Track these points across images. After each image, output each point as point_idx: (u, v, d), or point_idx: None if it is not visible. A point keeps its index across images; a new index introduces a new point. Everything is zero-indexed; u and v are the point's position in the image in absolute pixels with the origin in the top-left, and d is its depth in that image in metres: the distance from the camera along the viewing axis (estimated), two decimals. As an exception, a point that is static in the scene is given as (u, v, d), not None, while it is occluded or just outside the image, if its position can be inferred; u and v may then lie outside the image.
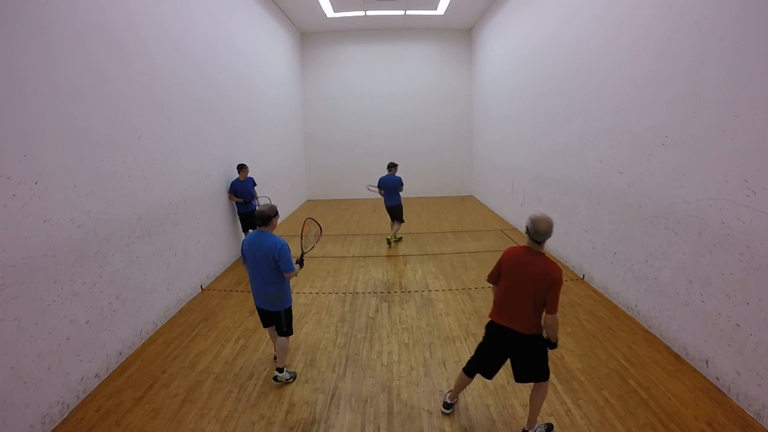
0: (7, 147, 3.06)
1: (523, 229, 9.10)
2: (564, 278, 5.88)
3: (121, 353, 4.29)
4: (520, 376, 3.07)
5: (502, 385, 3.76)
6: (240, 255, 4.04)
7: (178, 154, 5.64)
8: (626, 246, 5.10)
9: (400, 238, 8.90)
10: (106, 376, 4.03)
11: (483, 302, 5.56)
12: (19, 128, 3.17)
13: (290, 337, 4.03)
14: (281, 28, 11.58)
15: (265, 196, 8.18)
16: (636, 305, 4.93)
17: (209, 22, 6.87)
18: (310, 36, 13.93)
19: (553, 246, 7.54)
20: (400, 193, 8.47)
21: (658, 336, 4.51)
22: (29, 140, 3.26)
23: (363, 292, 6.04)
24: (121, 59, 4.45)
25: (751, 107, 3.27)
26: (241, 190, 7.32)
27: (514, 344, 3.01)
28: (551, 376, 3.87)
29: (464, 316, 5.17)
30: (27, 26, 3.26)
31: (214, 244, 6.78)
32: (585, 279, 6.21)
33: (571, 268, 6.74)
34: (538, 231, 2.86)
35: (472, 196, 14.53)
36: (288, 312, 3.85)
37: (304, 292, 6.06)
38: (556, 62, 7.25)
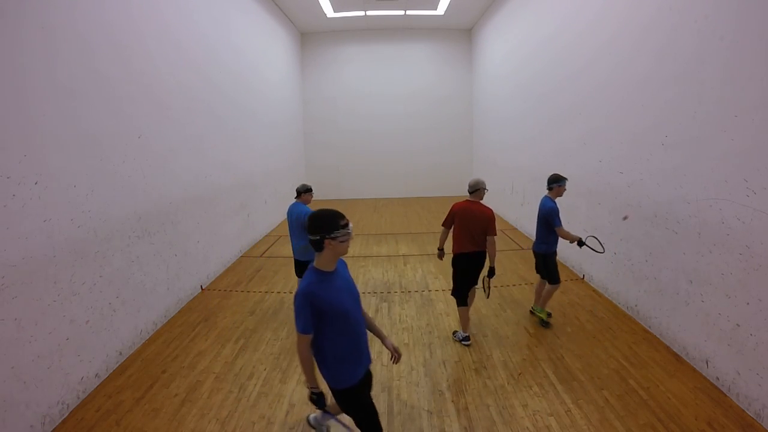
0: (7, 147, 3.06)
1: (523, 229, 9.16)
2: (564, 278, 6.07)
3: (121, 353, 4.28)
4: (474, 282, 4.53)
5: (502, 385, 3.76)
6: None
7: (178, 154, 5.65)
8: (626, 246, 5.10)
9: (549, 315, 4.92)
10: (106, 376, 4.03)
11: (482, 302, 5.56)
12: (20, 128, 3.18)
13: None
14: (281, 28, 11.59)
15: None
16: (636, 305, 4.93)
17: (209, 22, 6.87)
18: (310, 36, 13.94)
19: (553, 246, 7.55)
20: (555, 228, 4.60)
21: (658, 336, 4.51)
22: (29, 140, 3.26)
23: (363, 292, 6.04)
24: (121, 59, 4.45)
25: (750, 107, 3.27)
26: None
27: (475, 262, 4.42)
28: (551, 375, 3.89)
29: (464, 316, 5.17)
30: (28, 26, 3.26)
31: (214, 244, 6.78)
32: (585, 279, 6.21)
33: (570, 268, 6.74)
34: (471, 187, 4.45)
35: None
36: None
37: (304, 292, 6.06)
38: (556, 62, 7.25)
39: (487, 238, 4.28)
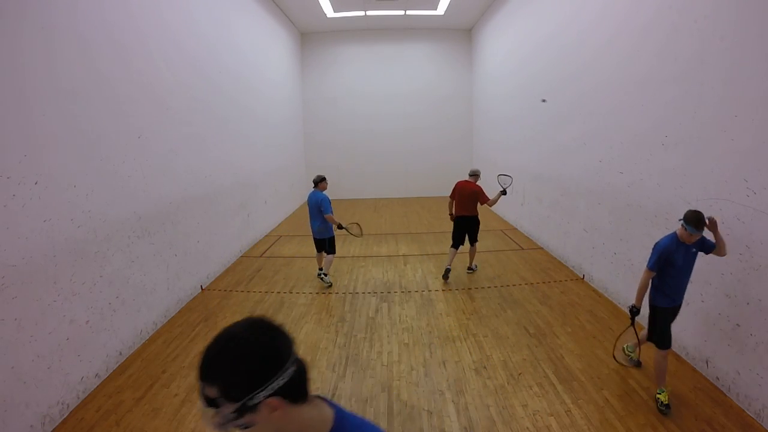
0: (7, 147, 3.06)
1: (522, 229, 9.17)
2: (564, 278, 6.13)
3: (121, 353, 4.28)
4: (473, 240, 6.53)
5: (502, 385, 3.76)
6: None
7: (178, 154, 5.64)
8: (626, 246, 5.10)
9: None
10: (106, 376, 4.02)
11: (483, 302, 5.56)
12: (20, 128, 3.17)
13: (334, 255, 6.35)
14: (281, 28, 11.58)
15: None
16: (636, 305, 4.92)
17: (209, 22, 6.87)
18: (310, 36, 13.93)
19: (552, 246, 7.55)
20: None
21: (658, 336, 4.51)
22: (29, 140, 3.25)
23: (363, 292, 6.04)
24: (121, 59, 4.45)
25: (751, 107, 3.27)
26: None
27: (467, 223, 6.41)
28: (551, 375, 3.90)
29: (464, 316, 5.17)
30: (28, 26, 3.26)
31: (214, 244, 6.78)
32: (585, 279, 6.21)
33: (571, 267, 6.73)
34: (470, 172, 6.48)
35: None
36: (331, 239, 6.25)
37: (304, 292, 6.06)
38: (556, 62, 7.24)
39: (482, 204, 6.28)
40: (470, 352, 4.33)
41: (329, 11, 11.71)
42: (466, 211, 6.37)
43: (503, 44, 10.49)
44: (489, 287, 6.11)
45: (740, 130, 3.38)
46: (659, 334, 3.50)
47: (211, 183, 6.72)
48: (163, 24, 5.39)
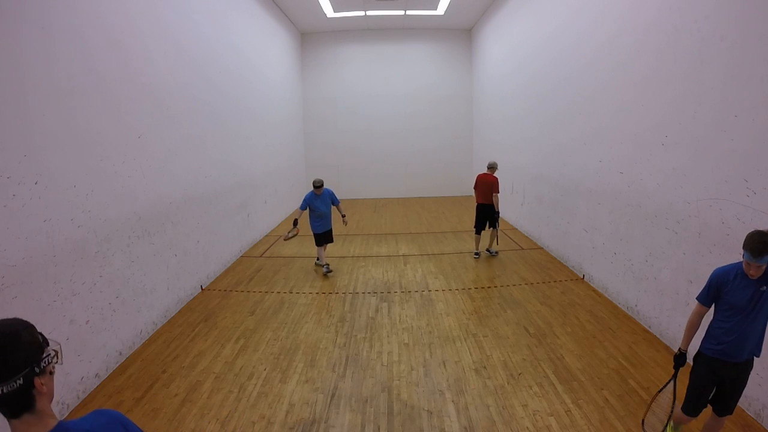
0: (7, 147, 3.06)
1: (522, 229, 9.17)
2: (564, 278, 6.20)
3: (121, 353, 4.28)
4: (492, 224, 7.34)
5: (502, 385, 3.76)
6: None
7: (178, 154, 5.64)
8: (626, 246, 5.10)
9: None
10: (106, 376, 4.02)
11: (483, 302, 5.56)
12: (19, 128, 3.17)
13: (319, 247, 6.96)
14: (281, 28, 11.58)
15: None
16: (636, 305, 4.93)
17: (209, 22, 6.87)
18: (310, 36, 13.93)
19: (553, 246, 7.55)
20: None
21: (658, 336, 4.51)
22: (29, 140, 3.25)
23: (363, 292, 6.04)
24: (121, 59, 4.45)
25: (751, 107, 3.27)
26: None
27: (487, 209, 7.31)
28: (551, 375, 3.89)
29: (464, 316, 5.17)
30: (27, 26, 3.26)
31: (214, 244, 6.78)
32: (585, 279, 6.21)
33: (571, 268, 6.74)
34: (487, 165, 7.45)
35: (472, 196, 14.54)
36: (323, 234, 6.90)
37: (304, 292, 6.06)
38: (556, 62, 7.24)
39: (493, 195, 7.20)
40: (470, 352, 4.33)
41: (329, 11, 11.71)
42: (486, 199, 7.32)
43: (503, 44, 10.49)
44: (489, 287, 6.11)
45: (740, 130, 3.38)
46: (688, 388, 2.75)
47: (210, 183, 6.72)
48: (163, 24, 5.39)
